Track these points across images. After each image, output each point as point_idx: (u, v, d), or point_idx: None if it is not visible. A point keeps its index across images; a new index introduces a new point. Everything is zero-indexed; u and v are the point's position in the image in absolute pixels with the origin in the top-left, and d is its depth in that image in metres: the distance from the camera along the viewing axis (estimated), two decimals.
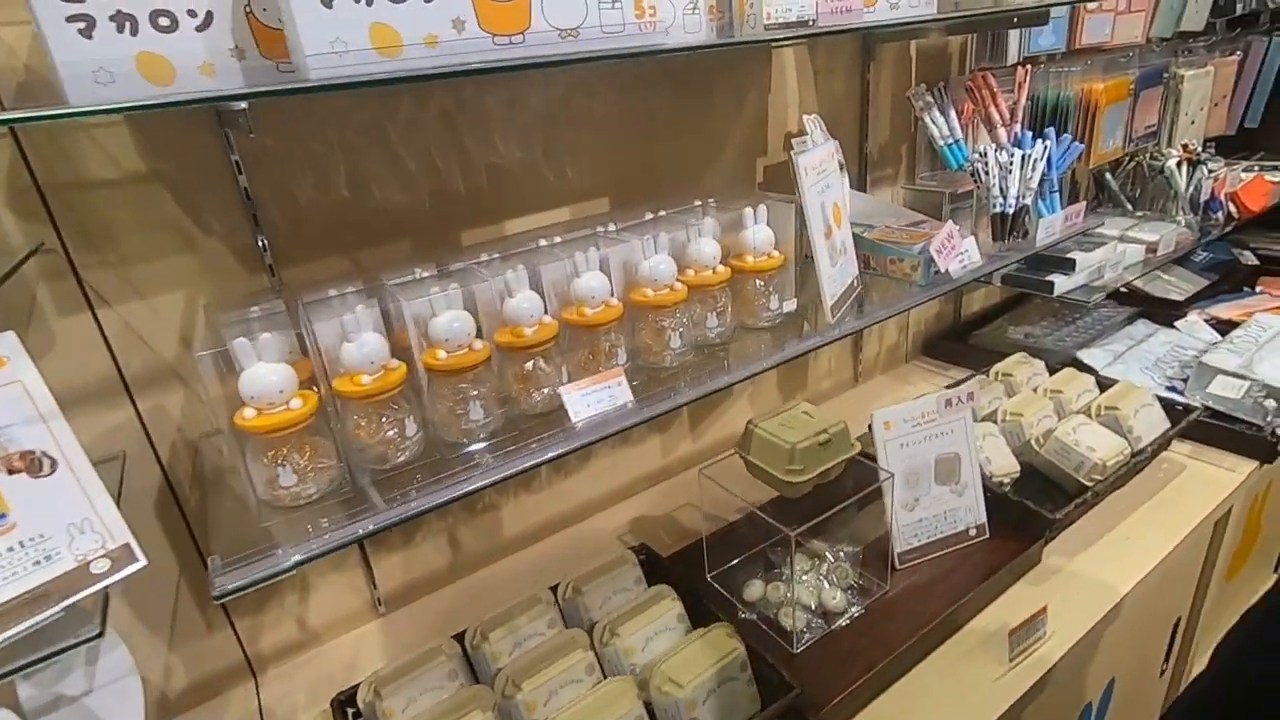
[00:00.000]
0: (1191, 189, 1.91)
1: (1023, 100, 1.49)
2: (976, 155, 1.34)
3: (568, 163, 1.19)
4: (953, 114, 1.46)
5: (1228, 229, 2.00)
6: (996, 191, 1.32)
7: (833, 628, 1.05)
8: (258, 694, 1.11)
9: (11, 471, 0.57)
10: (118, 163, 0.86)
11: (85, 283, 0.87)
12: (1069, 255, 1.59)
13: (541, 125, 1.15)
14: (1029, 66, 1.52)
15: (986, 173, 1.32)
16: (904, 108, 1.55)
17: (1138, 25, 1.77)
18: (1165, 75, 1.90)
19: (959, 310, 2.04)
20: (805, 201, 1.04)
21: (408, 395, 0.85)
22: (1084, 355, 1.74)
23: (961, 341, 1.95)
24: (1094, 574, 1.16)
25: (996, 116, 1.46)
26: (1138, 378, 1.63)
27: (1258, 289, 2.08)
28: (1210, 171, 1.92)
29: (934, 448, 1.16)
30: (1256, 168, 2.17)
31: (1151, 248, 1.79)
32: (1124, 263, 1.73)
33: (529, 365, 0.90)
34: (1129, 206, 2.02)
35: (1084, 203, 1.45)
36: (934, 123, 1.44)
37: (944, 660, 1.04)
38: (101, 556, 0.58)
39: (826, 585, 1.10)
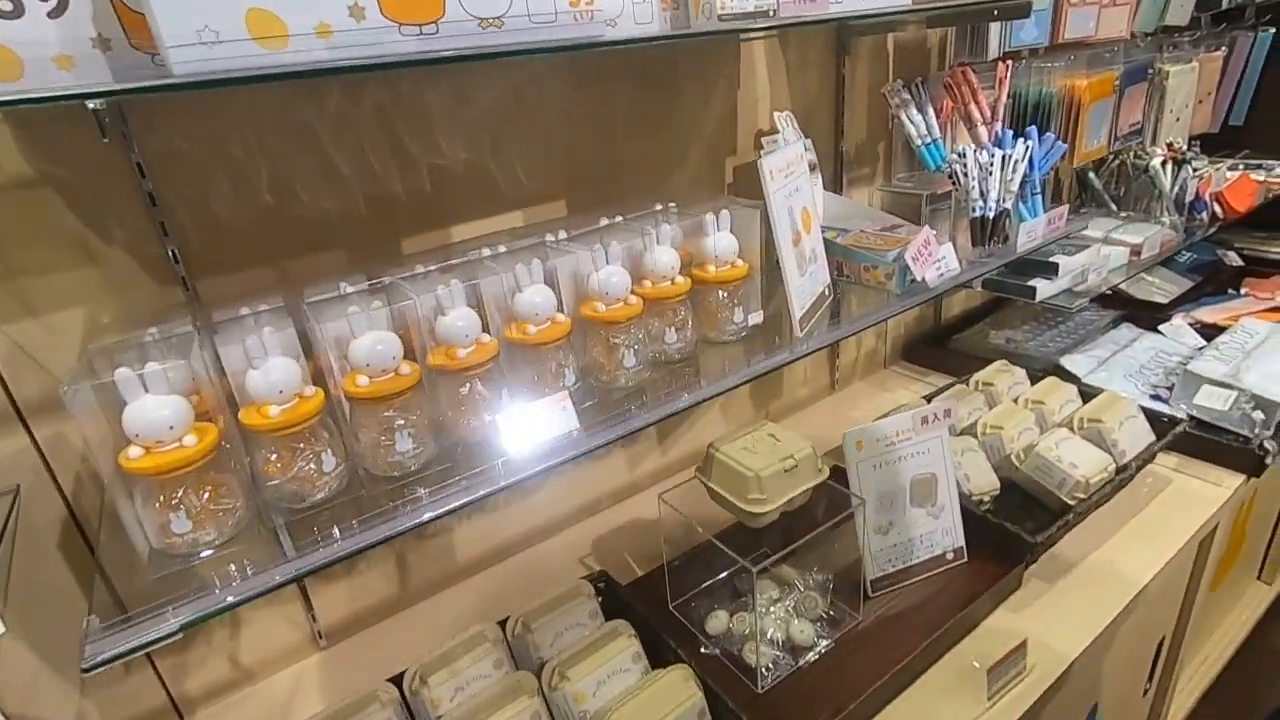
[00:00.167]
0: (1176, 189, 1.86)
1: (1003, 97, 1.42)
2: (955, 156, 1.28)
3: (519, 163, 1.11)
4: (930, 112, 1.39)
5: (1212, 230, 1.95)
6: (976, 194, 1.26)
7: (800, 664, 0.98)
8: None
9: None
10: None
11: None
12: (1051, 259, 1.53)
13: (489, 122, 1.06)
14: (1010, 62, 1.46)
15: (965, 174, 1.25)
16: (881, 104, 1.48)
17: (1122, 19, 1.71)
18: (1150, 71, 1.85)
19: (939, 313, 1.98)
20: (771, 207, 0.97)
21: (328, 425, 0.77)
22: (1066, 362, 1.69)
23: (942, 346, 1.89)
24: (1077, 600, 1.10)
25: (976, 114, 1.39)
26: (1121, 385, 1.57)
27: (1242, 290, 2.03)
28: (1195, 171, 1.86)
29: (909, 468, 1.09)
30: (1241, 166, 2.13)
31: (1136, 250, 1.74)
32: (1108, 266, 1.68)
33: (464, 389, 0.82)
34: (1113, 207, 1.96)
35: (1067, 206, 1.38)
36: (911, 121, 1.37)
37: (918, 699, 0.97)
38: None
39: (795, 617, 1.03)
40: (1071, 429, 1.30)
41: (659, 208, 1.10)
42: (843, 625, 1.03)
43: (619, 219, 1.06)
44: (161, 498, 0.67)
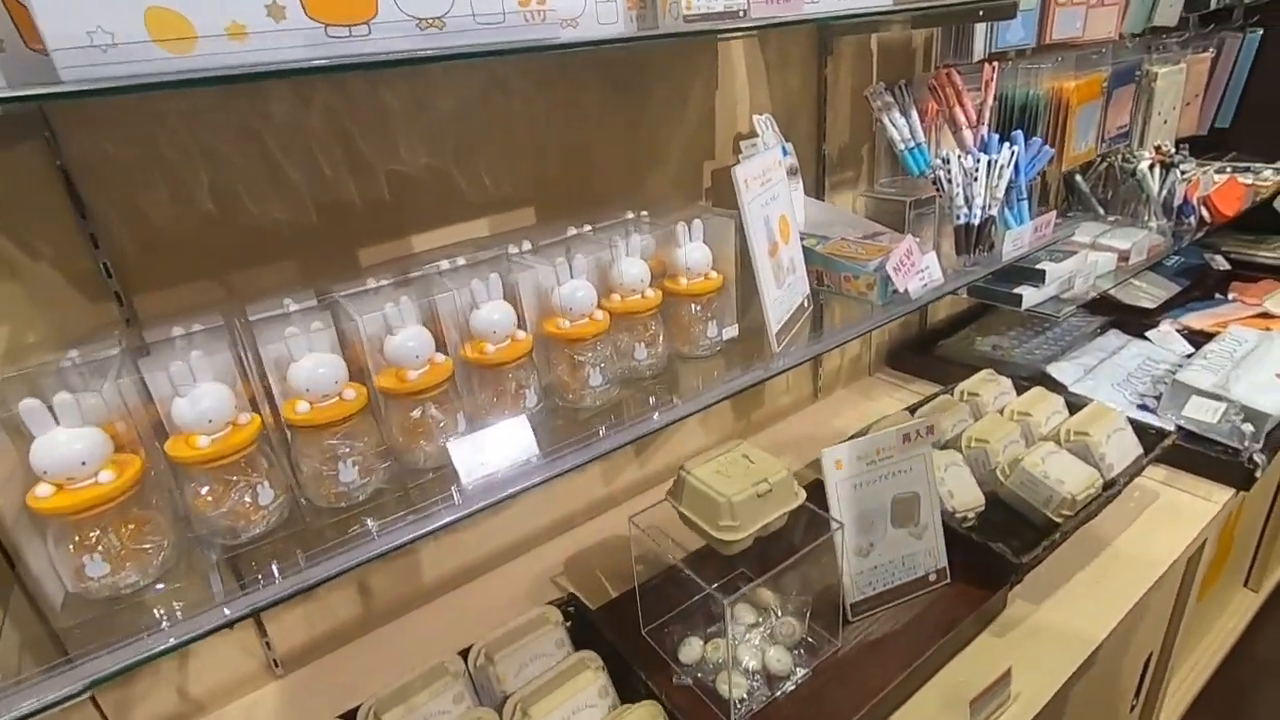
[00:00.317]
0: (1164, 193, 1.83)
1: (989, 100, 1.38)
2: (939, 161, 1.23)
3: (485, 169, 1.06)
4: (914, 115, 1.35)
5: (1200, 234, 1.92)
6: (960, 201, 1.21)
7: (776, 695, 0.94)
8: None
9: None
10: None
11: None
12: (1038, 265, 1.49)
13: (452, 126, 1.01)
14: (997, 63, 1.42)
15: (950, 180, 1.21)
16: (865, 107, 1.44)
17: (1111, 20, 1.68)
18: (1138, 73, 1.81)
19: (925, 319, 1.94)
20: (746, 217, 0.92)
21: (268, 454, 0.72)
22: (1053, 370, 1.65)
23: (927, 353, 1.86)
24: (1062, 623, 1.07)
25: (961, 118, 1.35)
26: (1108, 394, 1.54)
27: (1230, 295, 2.01)
28: (1183, 174, 1.83)
29: (891, 487, 1.05)
30: (1229, 169, 2.10)
31: (1124, 256, 1.70)
32: (1095, 272, 1.64)
33: (416, 413, 0.77)
34: (1101, 210, 1.93)
35: (1054, 213, 1.34)
36: (893, 125, 1.33)
37: None
38: None
39: (771, 645, 0.98)
40: (1058, 442, 1.26)
41: (630, 216, 1.05)
42: (821, 652, 0.99)
43: (587, 228, 1.01)
44: (76, 538, 0.61)
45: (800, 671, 0.97)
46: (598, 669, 0.91)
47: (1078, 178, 1.93)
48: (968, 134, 1.35)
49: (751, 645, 0.99)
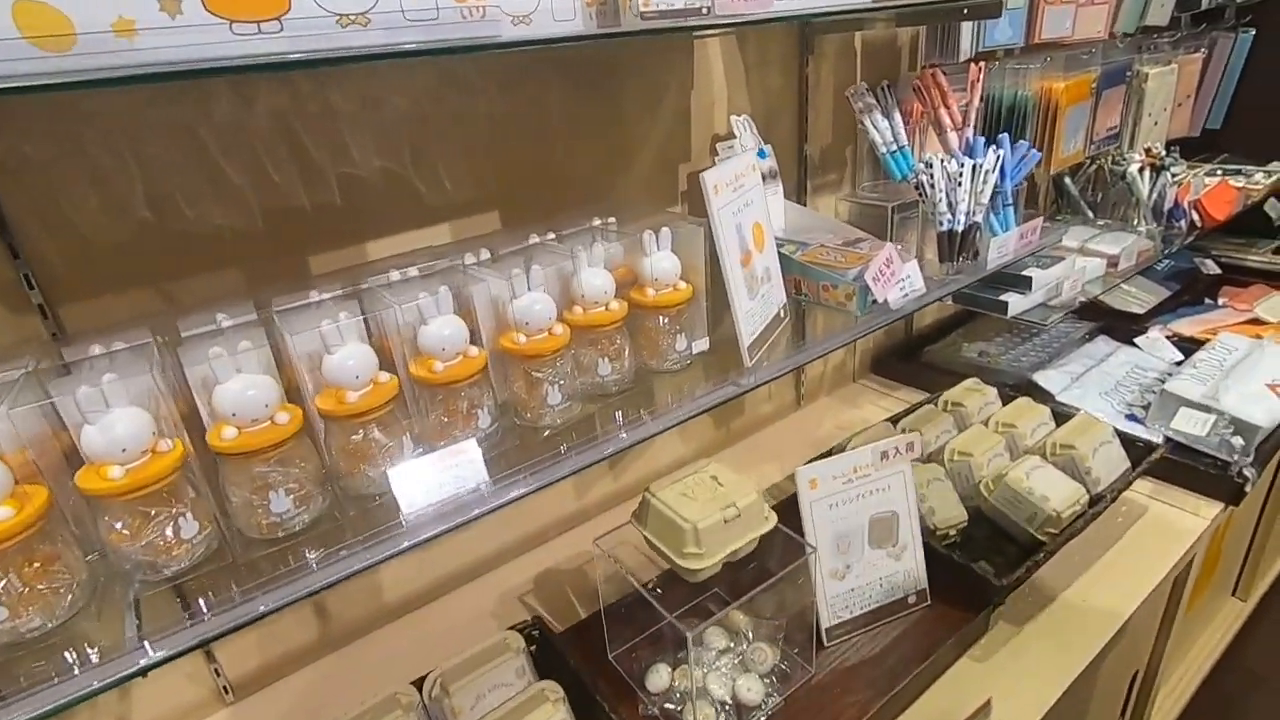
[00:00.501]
0: (1154, 196, 1.79)
1: (976, 101, 1.34)
2: (922, 165, 1.19)
3: (444, 172, 1.01)
4: (898, 117, 1.30)
5: (1190, 238, 1.89)
6: (944, 207, 1.17)
7: None
8: None
9: None
10: None
11: None
12: (1025, 272, 1.45)
13: (408, 127, 0.96)
14: (984, 63, 1.37)
15: (933, 185, 1.16)
16: (849, 107, 1.39)
17: (1100, 19, 1.63)
18: (1128, 73, 1.77)
19: (910, 325, 1.90)
20: (716, 225, 0.87)
21: (194, 483, 0.66)
22: (1040, 378, 1.61)
23: (913, 359, 1.82)
24: (1046, 647, 1.03)
25: (947, 119, 1.31)
26: (1096, 403, 1.50)
27: (1220, 300, 1.98)
28: (1174, 177, 1.79)
29: (868, 506, 1.01)
30: (1219, 172, 2.07)
31: (1113, 262, 1.66)
32: (1083, 278, 1.60)
33: (357, 436, 0.72)
34: (1090, 214, 1.90)
35: (1040, 218, 1.30)
36: (875, 127, 1.28)
37: None
38: None
39: (743, 672, 0.94)
40: (1044, 455, 1.23)
41: (596, 223, 1.00)
42: (794, 680, 0.95)
43: (550, 236, 0.96)
44: None
45: (773, 700, 0.92)
46: (558, 700, 0.86)
47: (1067, 180, 1.89)
48: (952, 136, 1.31)
49: (721, 673, 0.95)
